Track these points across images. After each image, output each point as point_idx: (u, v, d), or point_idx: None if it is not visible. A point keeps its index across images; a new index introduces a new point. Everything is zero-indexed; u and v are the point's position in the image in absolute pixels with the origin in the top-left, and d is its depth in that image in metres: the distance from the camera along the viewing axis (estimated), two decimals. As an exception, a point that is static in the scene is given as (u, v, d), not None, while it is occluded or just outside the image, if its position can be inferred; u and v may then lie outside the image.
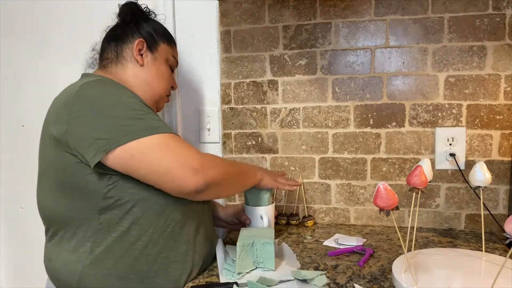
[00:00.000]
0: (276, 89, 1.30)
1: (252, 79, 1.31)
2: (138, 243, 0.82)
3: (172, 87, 1.07)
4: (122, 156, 0.76)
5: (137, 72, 0.96)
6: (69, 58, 1.41)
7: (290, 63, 1.28)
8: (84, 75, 0.95)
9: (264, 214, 1.05)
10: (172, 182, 0.78)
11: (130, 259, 0.82)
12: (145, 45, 0.98)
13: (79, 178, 0.79)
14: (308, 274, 0.86)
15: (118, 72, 0.95)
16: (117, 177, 0.80)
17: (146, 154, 0.76)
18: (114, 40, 0.98)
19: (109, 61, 0.97)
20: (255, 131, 1.33)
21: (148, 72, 0.98)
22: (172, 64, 1.06)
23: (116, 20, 1.03)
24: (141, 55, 0.98)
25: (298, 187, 1.25)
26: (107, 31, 1.02)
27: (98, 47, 1.03)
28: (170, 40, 1.05)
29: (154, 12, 1.08)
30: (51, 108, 0.86)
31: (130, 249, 0.82)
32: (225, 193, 0.96)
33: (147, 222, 0.83)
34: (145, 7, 1.06)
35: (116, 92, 0.83)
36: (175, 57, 1.07)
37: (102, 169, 0.79)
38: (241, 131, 1.34)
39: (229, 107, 1.34)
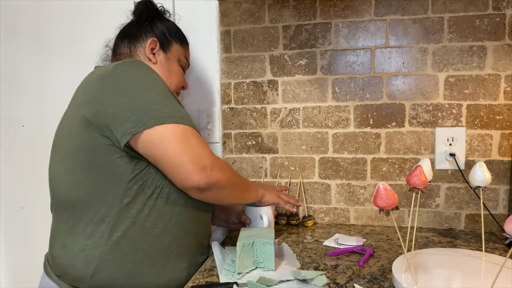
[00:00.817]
0: (276, 89, 1.30)
1: (252, 79, 1.31)
2: (154, 229, 0.84)
3: (183, 87, 1.09)
4: (146, 138, 0.78)
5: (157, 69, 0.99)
6: (69, 58, 1.41)
7: (290, 63, 1.28)
8: (98, 68, 0.94)
9: (264, 214, 1.05)
10: (179, 174, 0.80)
11: (145, 245, 0.84)
12: (158, 44, 1.00)
13: (109, 161, 0.81)
14: (308, 274, 0.86)
15: None
16: (145, 162, 0.83)
17: (166, 142, 0.78)
18: (127, 37, 1.00)
19: (122, 57, 0.99)
20: (255, 131, 1.33)
21: (160, 71, 0.99)
22: (184, 65, 1.08)
23: (131, 17, 1.05)
24: (154, 53, 1.00)
25: (297, 207, 1.25)
26: (121, 28, 1.04)
27: (111, 43, 1.05)
28: (183, 40, 1.07)
29: (168, 12, 1.09)
30: (81, 89, 0.87)
31: (147, 235, 0.84)
32: (225, 200, 0.95)
33: (164, 210, 0.85)
34: (160, 6, 1.07)
35: (149, 75, 0.85)
36: (187, 58, 1.09)
37: (132, 151, 0.81)
38: (241, 131, 1.34)
39: (229, 107, 1.34)
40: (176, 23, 1.11)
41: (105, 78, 0.83)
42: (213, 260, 0.98)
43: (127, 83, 0.82)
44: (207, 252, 1.01)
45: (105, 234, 0.82)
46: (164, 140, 0.78)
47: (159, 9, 1.07)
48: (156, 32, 1.01)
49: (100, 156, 0.81)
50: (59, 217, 0.89)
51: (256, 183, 1.08)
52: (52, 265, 0.88)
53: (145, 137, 0.78)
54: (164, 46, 1.02)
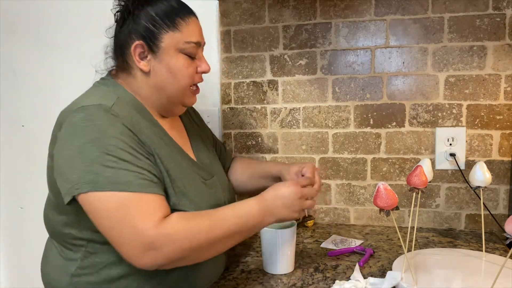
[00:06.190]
0: (276, 89, 1.30)
1: (252, 79, 1.31)
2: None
3: (203, 71, 0.86)
4: (83, 203, 0.71)
5: (145, 80, 0.83)
6: (69, 58, 1.41)
7: (290, 63, 1.28)
8: (98, 83, 0.87)
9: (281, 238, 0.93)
10: (124, 256, 0.70)
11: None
12: (145, 46, 0.81)
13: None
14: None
15: (129, 81, 0.84)
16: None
17: (99, 214, 0.70)
18: (116, 45, 0.85)
19: (119, 69, 0.86)
20: (255, 131, 1.33)
21: (156, 77, 0.83)
22: (191, 51, 0.83)
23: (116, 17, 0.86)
24: (144, 59, 0.82)
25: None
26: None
27: (109, 49, 0.89)
28: (175, 22, 0.81)
29: None
30: (56, 121, 0.80)
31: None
32: (201, 259, 0.77)
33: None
34: None
35: (102, 127, 0.73)
36: (192, 40, 0.83)
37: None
38: (241, 131, 1.34)
39: (229, 107, 1.34)
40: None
41: (66, 121, 0.75)
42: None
43: (78, 134, 0.72)
44: None
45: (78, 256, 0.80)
46: (97, 211, 0.70)
47: None
48: (140, 29, 0.80)
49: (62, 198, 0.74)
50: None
51: (263, 201, 0.79)
52: None
53: (82, 200, 0.70)
54: (152, 45, 0.81)
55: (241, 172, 1.11)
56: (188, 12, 0.84)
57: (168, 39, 0.81)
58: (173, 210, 0.77)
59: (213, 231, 0.73)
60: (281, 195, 0.80)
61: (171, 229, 0.70)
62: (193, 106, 1.08)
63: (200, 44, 0.85)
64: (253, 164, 1.13)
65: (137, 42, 0.81)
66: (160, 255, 0.69)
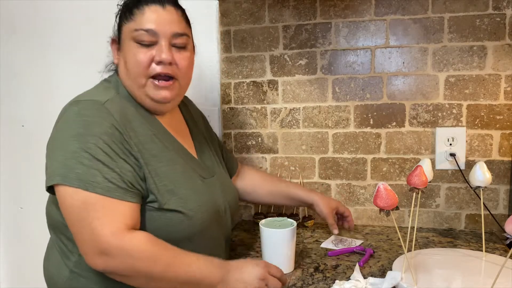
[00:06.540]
0: (276, 89, 1.30)
1: (252, 79, 1.31)
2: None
3: (161, 62, 0.80)
4: (56, 194, 0.73)
5: (121, 74, 0.86)
6: (69, 58, 1.41)
7: (290, 63, 1.28)
8: (103, 81, 0.89)
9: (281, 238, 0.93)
10: (80, 252, 0.73)
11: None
12: (116, 41, 0.86)
13: None
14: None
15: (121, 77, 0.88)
16: None
17: (64, 208, 0.72)
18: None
19: (116, 68, 0.90)
20: (255, 131, 1.33)
21: (120, 69, 0.86)
22: (140, 38, 0.80)
23: None
24: (119, 52, 0.86)
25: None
26: None
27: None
28: (132, 13, 0.82)
29: None
30: (58, 116, 0.82)
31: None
32: (146, 287, 0.75)
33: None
34: None
35: (89, 123, 0.74)
36: (141, 28, 0.80)
37: None
38: (241, 131, 1.34)
39: (229, 107, 1.34)
40: None
41: (61, 114, 0.78)
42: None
43: (67, 127, 0.75)
44: None
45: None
46: (62, 204, 0.72)
47: None
48: (114, 26, 0.86)
49: None
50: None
51: (219, 266, 0.77)
52: None
53: (56, 192, 0.73)
54: (119, 39, 0.85)
55: (262, 185, 1.14)
56: (146, 2, 0.81)
57: (125, 29, 0.83)
58: (160, 210, 0.78)
59: (170, 269, 0.72)
60: (246, 272, 0.77)
61: (133, 245, 0.69)
62: (197, 107, 1.10)
63: (153, 32, 0.80)
64: (276, 180, 1.17)
65: (112, 38, 0.87)
66: (111, 263, 0.69)
